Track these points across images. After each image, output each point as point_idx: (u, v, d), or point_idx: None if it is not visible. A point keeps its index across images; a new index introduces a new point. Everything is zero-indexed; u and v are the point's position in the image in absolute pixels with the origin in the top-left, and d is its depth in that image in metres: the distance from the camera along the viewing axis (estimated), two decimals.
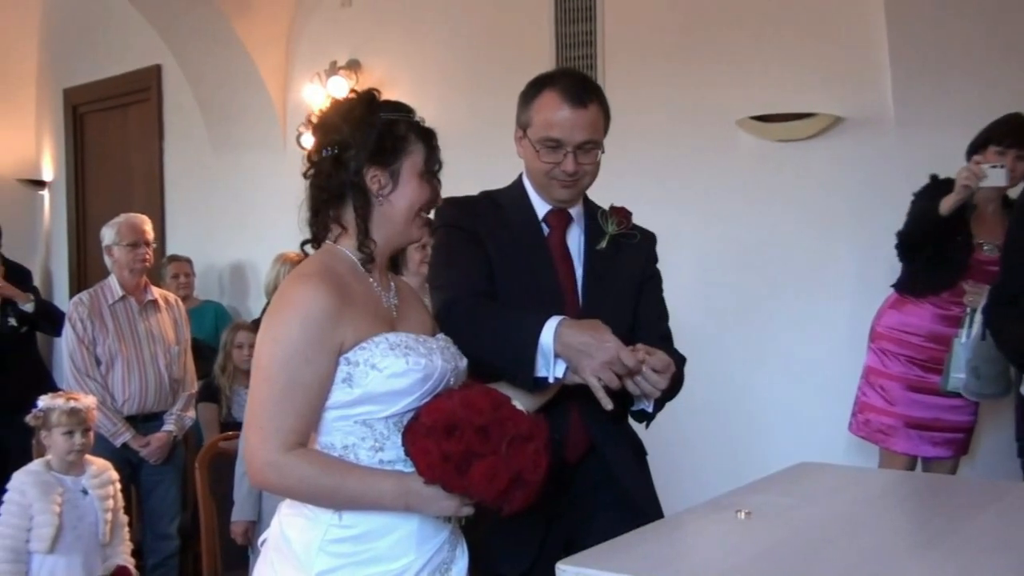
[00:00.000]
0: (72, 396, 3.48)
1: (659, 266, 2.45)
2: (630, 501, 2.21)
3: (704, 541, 1.76)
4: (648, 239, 2.43)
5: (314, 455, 1.85)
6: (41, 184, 7.91)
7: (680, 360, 2.38)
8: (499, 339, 2.05)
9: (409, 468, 1.84)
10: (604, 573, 1.57)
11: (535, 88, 2.28)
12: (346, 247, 1.95)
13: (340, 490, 1.81)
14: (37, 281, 6.64)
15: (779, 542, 1.73)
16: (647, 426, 2.29)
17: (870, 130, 4.04)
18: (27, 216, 7.88)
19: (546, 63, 4.72)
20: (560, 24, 4.75)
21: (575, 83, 2.26)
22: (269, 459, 1.80)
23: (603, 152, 2.28)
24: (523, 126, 2.28)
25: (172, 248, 6.41)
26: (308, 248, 1.99)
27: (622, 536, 1.72)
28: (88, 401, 3.49)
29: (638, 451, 2.39)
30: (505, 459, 1.77)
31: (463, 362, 1.99)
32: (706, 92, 4.38)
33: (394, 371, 1.84)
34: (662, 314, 2.43)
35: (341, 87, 5.48)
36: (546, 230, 2.33)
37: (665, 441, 4.14)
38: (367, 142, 1.90)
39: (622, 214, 2.34)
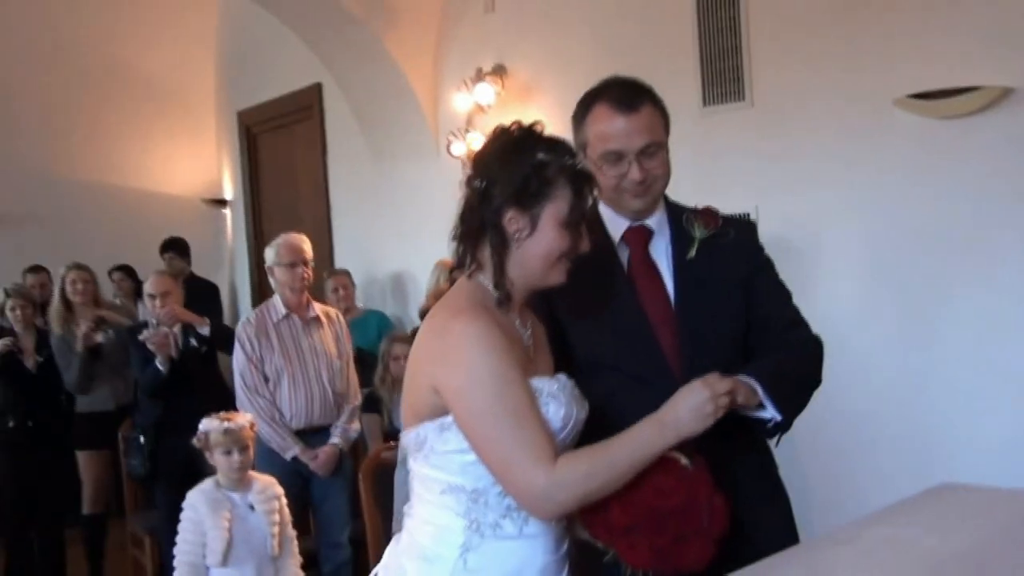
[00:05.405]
0: (227, 417, 3.60)
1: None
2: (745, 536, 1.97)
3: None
4: (745, 231, 2.27)
5: (570, 454, 1.78)
6: (223, 203, 8.34)
7: (814, 344, 2.20)
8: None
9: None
10: None
11: (583, 106, 2.19)
12: (487, 282, 1.89)
13: (615, 463, 1.75)
14: (224, 296, 7.00)
15: None
16: (778, 442, 2.14)
17: None
18: (213, 234, 8.33)
19: (690, 53, 4.59)
20: (702, 12, 4.60)
21: (622, 89, 2.16)
22: (547, 482, 1.72)
23: (667, 152, 2.15)
24: (581, 146, 2.16)
25: (340, 259, 6.61)
26: (456, 274, 1.93)
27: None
28: (243, 420, 3.60)
29: (765, 486, 2.22)
30: (708, 529, 1.77)
31: (586, 408, 1.92)
32: (859, 71, 4.13)
33: None
34: (784, 299, 2.25)
35: (487, 93, 5.51)
36: (626, 251, 2.20)
37: (816, 450, 3.92)
38: (511, 181, 1.82)
39: (708, 215, 2.20)
